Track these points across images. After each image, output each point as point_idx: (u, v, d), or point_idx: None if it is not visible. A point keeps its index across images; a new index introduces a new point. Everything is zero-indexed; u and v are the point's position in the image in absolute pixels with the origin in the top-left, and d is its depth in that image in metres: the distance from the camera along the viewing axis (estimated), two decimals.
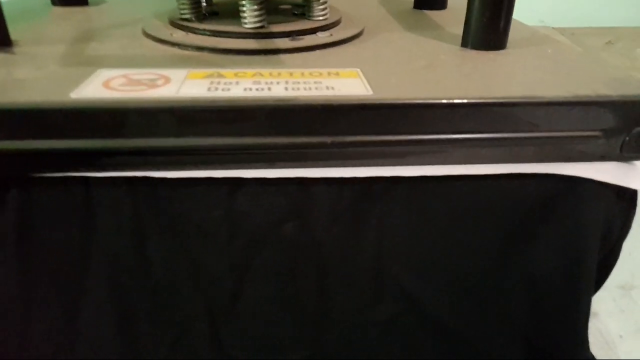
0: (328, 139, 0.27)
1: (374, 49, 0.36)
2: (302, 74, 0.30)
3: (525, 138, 0.28)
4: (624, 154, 0.29)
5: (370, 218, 0.30)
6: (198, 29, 0.36)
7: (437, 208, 0.31)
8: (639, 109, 0.28)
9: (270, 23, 0.36)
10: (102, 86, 0.27)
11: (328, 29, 0.38)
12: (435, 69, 0.32)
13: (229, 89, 0.27)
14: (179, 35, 0.35)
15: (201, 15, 0.38)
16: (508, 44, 0.36)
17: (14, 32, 0.34)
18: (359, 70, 0.30)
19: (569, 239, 0.31)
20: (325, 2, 0.39)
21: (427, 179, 0.29)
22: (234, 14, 0.36)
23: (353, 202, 0.30)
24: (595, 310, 0.33)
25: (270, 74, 0.29)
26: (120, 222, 0.29)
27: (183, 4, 0.37)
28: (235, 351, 0.34)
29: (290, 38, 0.35)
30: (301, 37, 0.36)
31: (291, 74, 0.29)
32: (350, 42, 0.37)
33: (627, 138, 0.28)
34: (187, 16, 0.37)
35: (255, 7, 0.35)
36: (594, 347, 0.35)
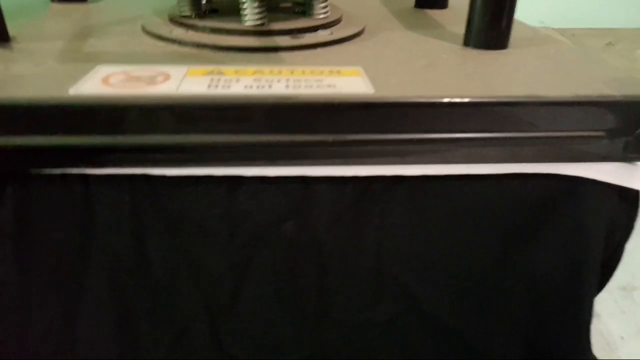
0: (329, 137, 0.27)
1: (375, 48, 0.35)
2: (303, 71, 0.29)
3: (527, 138, 0.28)
4: (627, 155, 0.29)
5: (371, 217, 0.30)
6: (198, 26, 0.35)
7: (438, 208, 0.30)
8: None
9: (270, 21, 0.36)
10: (101, 82, 0.27)
11: (329, 27, 0.38)
12: (437, 68, 0.31)
13: (229, 87, 0.27)
14: (178, 33, 0.35)
15: (201, 12, 0.37)
16: (510, 44, 0.35)
17: (12, 28, 0.34)
18: (360, 68, 0.30)
19: (571, 239, 0.31)
20: (326, 0, 0.38)
21: (428, 179, 0.29)
22: (234, 11, 0.36)
23: (354, 201, 0.30)
24: (596, 312, 0.33)
25: (271, 72, 0.29)
26: (119, 219, 0.29)
27: (183, 1, 0.37)
28: (235, 350, 0.33)
29: (290, 36, 0.35)
30: (302, 35, 0.36)
31: (292, 72, 0.29)
32: (351, 41, 0.37)
33: (630, 138, 0.28)
34: (187, 13, 0.37)
35: (256, 4, 0.35)
36: (595, 349, 0.35)
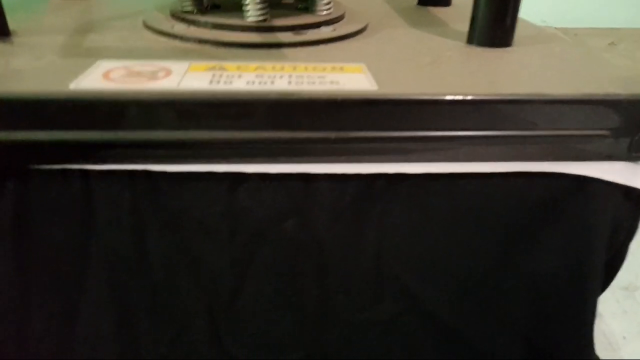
0: (331, 134, 0.26)
1: (378, 45, 0.35)
2: (306, 68, 0.29)
3: (531, 136, 0.28)
4: (632, 154, 0.28)
5: (372, 216, 0.30)
6: (200, 21, 0.35)
7: (440, 206, 0.30)
8: None
9: (273, 17, 0.36)
10: (101, 77, 0.26)
11: (332, 23, 0.37)
12: (441, 65, 0.31)
13: (231, 82, 0.27)
14: (180, 28, 0.35)
15: (203, 8, 0.37)
16: (514, 42, 0.35)
17: (12, 22, 0.34)
18: (363, 65, 0.30)
19: (574, 239, 0.31)
20: None
21: (431, 177, 0.29)
22: (236, 7, 0.36)
23: (355, 199, 0.29)
24: (598, 312, 0.33)
25: (273, 68, 0.29)
26: (119, 216, 0.28)
27: None
28: (235, 349, 0.33)
29: (293, 32, 0.35)
30: (304, 31, 0.35)
31: (294, 68, 0.29)
32: (354, 38, 0.36)
33: (635, 138, 0.28)
34: (189, 9, 0.37)
35: (258, 0, 0.34)
36: (597, 349, 0.35)
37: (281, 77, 0.28)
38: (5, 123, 0.25)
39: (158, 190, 0.28)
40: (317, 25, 0.36)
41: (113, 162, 0.27)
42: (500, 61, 0.32)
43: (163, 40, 0.34)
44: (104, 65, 0.28)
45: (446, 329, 0.34)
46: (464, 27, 0.36)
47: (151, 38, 0.34)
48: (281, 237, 0.30)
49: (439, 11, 0.46)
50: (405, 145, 0.27)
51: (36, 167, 0.26)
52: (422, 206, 0.30)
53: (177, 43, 0.33)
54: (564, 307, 0.33)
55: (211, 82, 0.27)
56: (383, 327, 0.34)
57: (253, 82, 0.27)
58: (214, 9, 0.38)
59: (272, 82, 0.27)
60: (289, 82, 0.27)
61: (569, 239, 0.31)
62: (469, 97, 0.26)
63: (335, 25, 0.37)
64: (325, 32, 0.36)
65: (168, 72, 0.27)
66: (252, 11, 0.35)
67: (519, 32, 0.35)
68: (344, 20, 0.39)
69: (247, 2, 0.35)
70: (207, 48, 0.33)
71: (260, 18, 0.35)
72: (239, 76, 0.27)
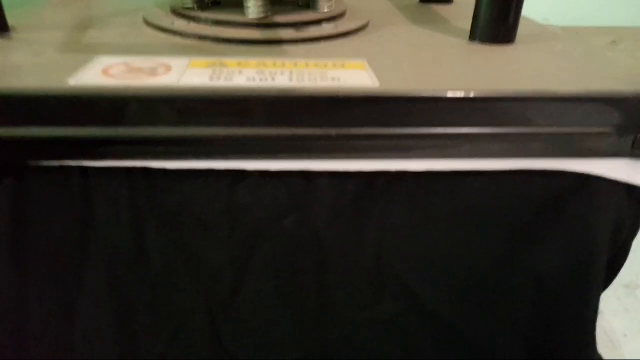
0: (332, 131, 0.26)
1: (379, 42, 0.35)
2: (307, 64, 0.29)
3: (534, 134, 0.28)
4: (636, 151, 0.28)
5: (373, 214, 0.30)
6: (200, 17, 0.35)
7: (441, 204, 0.30)
8: None
9: (274, 13, 0.36)
10: (101, 73, 0.26)
11: (333, 20, 0.37)
12: (443, 61, 0.31)
13: (231, 79, 0.26)
14: (180, 24, 0.35)
15: (203, 4, 0.37)
16: (516, 39, 0.35)
17: (11, 17, 0.33)
18: (365, 61, 0.30)
19: (577, 236, 0.31)
20: None
21: (432, 174, 0.29)
22: (237, 3, 0.36)
23: (356, 197, 0.29)
24: (599, 309, 0.33)
25: (274, 64, 0.29)
26: (118, 213, 0.28)
27: None
28: (234, 346, 0.33)
29: (294, 29, 0.35)
30: (306, 28, 0.35)
31: (295, 64, 0.29)
32: (355, 34, 0.36)
33: (639, 135, 0.28)
34: (189, 5, 0.36)
35: None
36: (598, 346, 0.35)
37: (282, 73, 0.27)
38: (4, 119, 0.24)
39: (157, 187, 0.28)
40: (318, 22, 0.36)
41: (112, 159, 0.26)
42: (503, 58, 0.32)
43: (163, 36, 0.34)
44: (103, 61, 0.28)
45: (447, 328, 0.34)
46: (466, 24, 0.36)
47: (151, 34, 0.34)
48: (281, 234, 0.30)
49: (440, 8, 0.46)
50: (406, 142, 0.27)
51: (34, 163, 0.26)
52: (423, 204, 0.30)
53: (177, 39, 0.33)
54: (566, 305, 0.33)
55: (211, 78, 0.26)
56: (383, 326, 0.33)
57: (253, 79, 0.26)
58: (215, 5, 0.38)
59: (273, 79, 0.27)
60: (290, 79, 0.27)
61: (572, 236, 0.31)
62: (471, 94, 0.26)
63: (337, 22, 0.37)
64: (326, 28, 0.36)
65: (168, 68, 0.27)
66: (253, 7, 0.35)
67: (521, 29, 0.35)
68: (346, 17, 0.39)
69: None
70: (208, 44, 0.32)
71: (262, 14, 0.35)
72: (240, 72, 0.27)
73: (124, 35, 0.34)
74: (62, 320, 0.31)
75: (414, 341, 0.34)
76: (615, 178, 0.29)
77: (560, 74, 0.30)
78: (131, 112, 0.25)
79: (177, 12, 0.36)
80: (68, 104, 0.24)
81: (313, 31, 0.35)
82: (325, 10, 0.38)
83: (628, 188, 0.30)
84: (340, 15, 0.38)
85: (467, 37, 0.36)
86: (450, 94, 0.26)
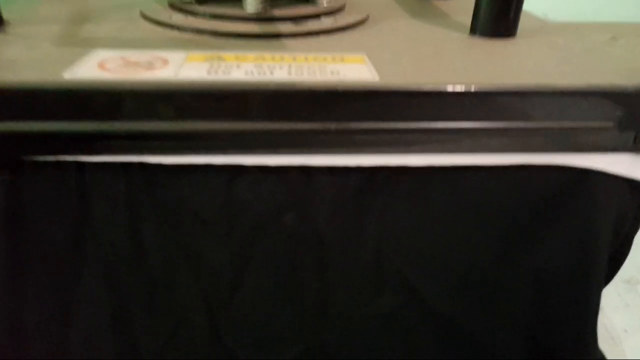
0: (332, 126, 0.26)
1: (379, 36, 0.35)
2: (306, 58, 0.29)
3: (535, 128, 0.27)
4: (637, 146, 0.28)
5: (373, 209, 0.30)
6: (198, 12, 0.35)
7: (442, 199, 0.30)
8: None
9: (272, 7, 0.35)
10: (97, 67, 0.26)
11: (332, 14, 0.37)
12: (444, 56, 0.31)
13: (229, 72, 0.26)
14: (178, 18, 0.34)
15: None
16: (517, 34, 0.35)
17: (6, 11, 0.33)
18: (365, 55, 0.29)
19: (579, 232, 0.30)
20: None
21: (432, 169, 0.28)
22: None
23: (356, 192, 0.29)
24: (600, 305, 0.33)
25: (273, 58, 0.28)
26: (115, 209, 0.28)
27: None
28: (234, 343, 0.33)
29: (293, 23, 0.34)
30: (305, 22, 0.35)
31: (294, 58, 0.28)
32: (354, 29, 0.36)
33: None
34: None
35: None
36: (599, 342, 0.34)
37: (281, 67, 0.27)
38: None
39: (155, 183, 0.28)
40: (317, 15, 0.36)
41: (109, 154, 0.26)
42: (503, 52, 0.32)
43: (160, 30, 0.34)
44: (99, 54, 0.28)
45: (446, 323, 0.34)
46: (466, 18, 0.36)
47: (148, 28, 0.34)
48: (281, 230, 0.30)
49: (440, 3, 0.46)
50: (406, 137, 0.27)
51: (30, 158, 0.26)
52: (423, 199, 0.30)
53: (174, 33, 0.33)
54: (567, 302, 0.32)
55: (209, 72, 0.26)
56: (383, 320, 0.33)
57: (252, 72, 0.26)
58: None
59: (272, 73, 0.26)
60: (289, 73, 0.26)
61: (573, 232, 0.30)
62: (472, 88, 0.26)
63: (336, 16, 0.37)
64: (325, 22, 0.35)
65: (165, 62, 0.27)
66: (252, 1, 0.34)
67: (522, 24, 0.35)
68: (345, 11, 0.39)
69: None
70: (206, 39, 0.32)
71: (260, 8, 0.34)
72: (238, 66, 0.27)
73: (120, 29, 0.33)
74: (60, 317, 0.30)
75: (413, 336, 0.34)
76: (616, 173, 0.29)
77: (561, 68, 0.30)
78: (128, 107, 0.24)
79: (174, 6, 0.36)
80: (64, 98, 0.24)
81: (312, 25, 0.34)
82: (325, 4, 0.37)
83: (630, 183, 0.30)
84: (340, 9, 0.38)
85: (468, 32, 0.35)
86: (450, 89, 0.26)
